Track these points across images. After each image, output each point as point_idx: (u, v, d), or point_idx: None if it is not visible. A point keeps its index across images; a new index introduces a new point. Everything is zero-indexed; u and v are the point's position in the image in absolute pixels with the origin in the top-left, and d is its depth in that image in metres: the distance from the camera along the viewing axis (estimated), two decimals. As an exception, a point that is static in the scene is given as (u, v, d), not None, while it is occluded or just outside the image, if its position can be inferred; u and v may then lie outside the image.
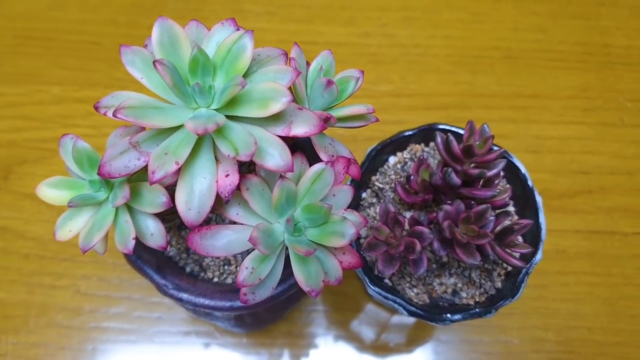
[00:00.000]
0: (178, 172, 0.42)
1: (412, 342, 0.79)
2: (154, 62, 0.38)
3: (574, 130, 0.93)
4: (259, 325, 0.75)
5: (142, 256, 0.58)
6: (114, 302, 0.80)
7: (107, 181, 0.47)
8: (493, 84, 0.96)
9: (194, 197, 0.42)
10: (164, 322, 0.79)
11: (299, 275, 0.45)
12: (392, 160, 0.68)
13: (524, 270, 0.60)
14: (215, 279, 0.60)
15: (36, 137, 0.89)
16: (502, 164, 0.57)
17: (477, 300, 0.62)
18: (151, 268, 0.58)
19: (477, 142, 0.56)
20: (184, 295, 0.57)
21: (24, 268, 0.81)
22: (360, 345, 0.78)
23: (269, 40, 0.97)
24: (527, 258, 0.62)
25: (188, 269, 0.61)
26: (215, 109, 0.42)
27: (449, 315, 0.59)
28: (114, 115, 0.38)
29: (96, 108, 0.43)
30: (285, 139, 0.44)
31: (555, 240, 0.84)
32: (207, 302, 0.57)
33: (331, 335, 0.79)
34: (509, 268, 0.63)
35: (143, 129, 0.45)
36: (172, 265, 0.60)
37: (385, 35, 1.01)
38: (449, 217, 0.55)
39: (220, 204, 0.46)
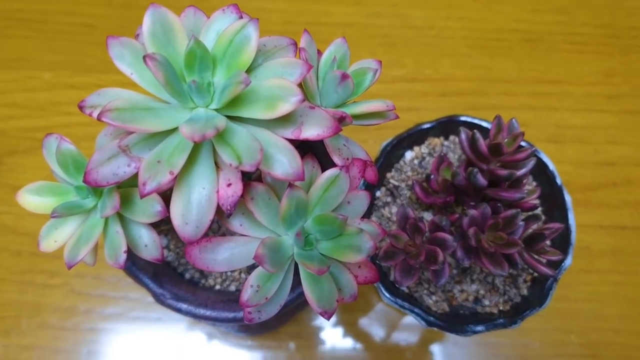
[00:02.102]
0: (174, 180, 0.37)
1: (424, 343, 0.74)
2: (144, 57, 0.33)
3: (597, 118, 0.87)
4: (264, 330, 0.70)
5: (137, 262, 0.53)
6: (110, 302, 0.75)
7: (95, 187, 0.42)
8: (512, 68, 0.90)
9: (192, 209, 0.37)
10: (163, 323, 0.74)
11: (311, 295, 0.41)
12: (408, 155, 0.63)
13: (552, 277, 0.56)
14: (218, 287, 0.56)
15: (27, 126, 0.84)
16: (531, 163, 0.52)
17: (501, 308, 0.58)
18: (147, 275, 0.53)
19: (506, 140, 0.51)
20: (183, 306, 0.52)
21: (15, 266, 0.77)
22: (371, 346, 0.74)
23: (274, 21, 0.91)
24: (556, 264, 0.57)
25: (188, 276, 0.56)
26: (215, 109, 0.37)
27: (471, 326, 0.55)
28: (99, 118, 0.33)
29: (81, 108, 0.38)
30: (294, 140, 0.38)
31: (578, 236, 0.78)
32: (208, 313, 0.52)
33: (340, 335, 0.74)
34: (536, 274, 0.58)
35: (135, 130, 0.40)
36: (171, 272, 0.55)
37: (398, 15, 0.94)
38: (475, 223, 0.50)
39: (221, 214, 0.41)
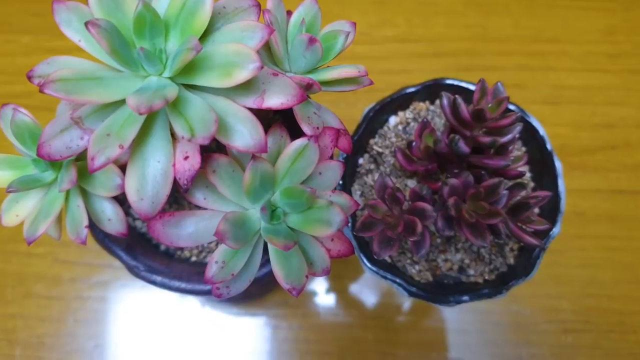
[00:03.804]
0: (125, 153, 0.35)
1: (415, 311, 0.73)
2: (86, 23, 0.31)
3: (597, 78, 0.84)
4: (249, 299, 0.69)
5: (109, 235, 0.52)
6: (96, 271, 0.75)
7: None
8: (508, 26, 0.87)
9: (147, 184, 0.35)
10: (149, 291, 0.73)
11: (278, 270, 0.39)
12: (392, 120, 0.60)
13: (540, 246, 0.54)
14: (194, 258, 0.54)
15: (6, 92, 0.82)
16: (517, 128, 0.49)
17: (487, 278, 0.56)
18: (120, 248, 0.52)
19: (490, 105, 0.48)
20: (157, 278, 0.51)
21: (-3, 235, 0.76)
22: (360, 314, 0.73)
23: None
24: (544, 232, 0.55)
25: (163, 247, 0.55)
26: (169, 77, 0.35)
27: (455, 296, 0.53)
28: (41, 90, 0.31)
29: (29, 78, 0.36)
30: (258, 110, 0.36)
31: (574, 201, 0.76)
32: (183, 285, 0.51)
33: (330, 303, 0.73)
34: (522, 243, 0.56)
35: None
36: (145, 243, 0.54)
37: (390, -28, 0.91)
38: (456, 192, 0.47)
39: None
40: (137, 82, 0.34)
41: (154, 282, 0.51)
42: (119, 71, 0.35)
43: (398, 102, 0.59)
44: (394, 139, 0.59)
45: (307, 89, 0.39)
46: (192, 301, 0.73)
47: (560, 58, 0.85)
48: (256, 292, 0.68)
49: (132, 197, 0.35)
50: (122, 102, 0.34)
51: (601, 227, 0.76)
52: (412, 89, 0.59)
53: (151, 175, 0.35)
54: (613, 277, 0.74)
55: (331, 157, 0.43)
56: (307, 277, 0.40)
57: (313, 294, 0.74)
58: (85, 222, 0.40)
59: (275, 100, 0.36)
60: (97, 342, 0.71)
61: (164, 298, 0.73)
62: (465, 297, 0.53)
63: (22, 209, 0.42)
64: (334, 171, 0.42)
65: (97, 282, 0.74)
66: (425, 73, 0.79)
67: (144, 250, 0.52)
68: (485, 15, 0.87)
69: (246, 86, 0.35)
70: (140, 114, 0.30)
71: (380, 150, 0.58)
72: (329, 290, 0.74)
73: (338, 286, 0.74)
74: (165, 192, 0.35)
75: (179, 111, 0.33)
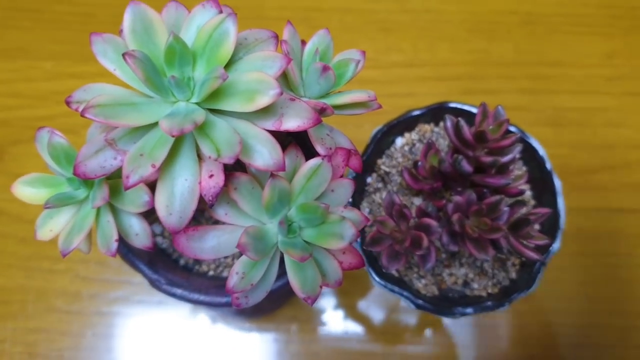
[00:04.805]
0: (157, 172, 0.38)
1: (421, 325, 0.76)
2: (124, 54, 0.34)
3: (596, 101, 0.87)
4: (260, 313, 0.72)
5: (133, 249, 0.55)
6: (114, 287, 0.77)
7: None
8: (510, 51, 0.90)
9: (175, 200, 0.38)
10: (165, 306, 0.76)
11: (294, 281, 0.42)
12: (399, 141, 0.64)
13: (540, 261, 0.56)
14: (211, 272, 0.57)
15: (30, 115, 0.86)
16: (517, 149, 0.52)
17: (490, 291, 0.59)
18: (143, 262, 0.55)
19: (491, 127, 0.51)
20: (178, 291, 0.54)
21: (20, 252, 0.79)
22: (369, 329, 0.75)
23: (269, 7, 0.91)
24: (545, 248, 0.57)
25: (182, 262, 0.58)
26: (196, 103, 0.38)
27: (459, 308, 0.56)
28: (82, 114, 0.34)
29: (67, 103, 0.39)
30: (276, 131, 0.39)
31: (575, 219, 0.79)
32: (202, 298, 0.54)
33: (338, 319, 0.76)
34: (524, 258, 0.59)
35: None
36: (165, 259, 0.57)
37: (395, 0, 0.94)
38: (459, 209, 0.50)
39: (206, 203, 0.42)
40: (167, 107, 0.38)
41: (174, 295, 0.54)
42: (149, 97, 0.39)
43: (404, 124, 0.63)
44: (400, 159, 0.62)
45: (321, 112, 0.42)
46: (204, 317, 0.75)
47: (562, 81, 0.88)
48: (267, 307, 0.71)
49: (161, 212, 0.38)
50: (154, 125, 0.37)
51: (602, 245, 0.78)
52: (417, 112, 0.63)
53: (179, 192, 0.38)
54: (614, 293, 0.76)
55: (341, 176, 0.46)
56: (321, 287, 0.43)
57: (322, 309, 0.76)
58: (116, 236, 0.44)
59: (292, 123, 0.39)
60: (114, 355, 0.74)
61: (178, 314, 0.76)
62: (470, 309, 0.56)
63: (56, 224, 0.45)
64: (345, 188, 0.45)
65: (115, 298, 0.77)
66: (431, 96, 0.83)
67: (164, 265, 0.55)
68: (488, 41, 0.91)
69: (266, 110, 0.39)
70: (173, 136, 0.33)
71: (387, 169, 0.62)
72: (337, 306, 0.77)
73: (346, 302, 0.77)
74: (192, 208, 0.38)
75: (206, 133, 0.37)
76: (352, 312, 0.76)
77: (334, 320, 0.76)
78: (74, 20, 0.93)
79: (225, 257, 0.57)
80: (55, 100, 0.87)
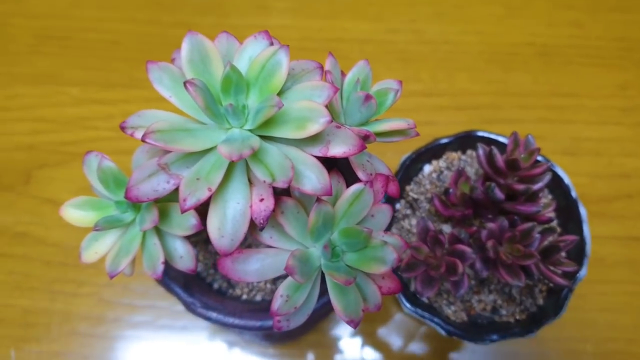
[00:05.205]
0: (211, 196, 0.39)
1: (442, 353, 0.76)
2: (185, 82, 0.35)
3: (612, 131, 0.89)
4: (288, 339, 0.72)
5: (168, 273, 0.56)
6: (138, 311, 0.78)
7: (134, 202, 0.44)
8: (527, 82, 0.92)
9: (227, 223, 0.39)
10: (189, 331, 0.77)
11: (337, 304, 0.43)
12: (427, 169, 0.65)
13: (567, 288, 0.57)
14: (245, 296, 0.58)
15: (56, 140, 0.87)
16: (547, 177, 0.54)
17: (518, 318, 0.59)
18: (178, 285, 0.56)
19: (522, 155, 0.53)
20: (213, 315, 0.55)
21: (45, 275, 0.79)
22: (389, 355, 0.75)
23: (292, 38, 0.93)
24: (571, 274, 0.58)
25: (216, 286, 0.58)
26: (249, 130, 0.39)
27: (489, 335, 0.57)
28: (143, 139, 0.36)
29: (122, 128, 0.40)
30: (321, 157, 0.41)
31: (594, 247, 0.79)
32: (236, 321, 0.55)
33: (359, 345, 0.76)
34: (551, 284, 0.60)
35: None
36: (200, 282, 0.58)
37: (414, 31, 0.97)
38: (493, 235, 0.51)
39: (253, 227, 0.43)
40: (221, 134, 0.39)
41: (209, 318, 0.54)
42: (203, 123, 0.40)
43: (432, 151, 0.64)
44: (428, 186, 0.63)
45: (365, 139, 0.43)
46: (228, 342, 0.76)
47: (578, 111, 0.90)
48: (296, 332, 0.71)
49: (213, 234, 0.39)
50: (208, 150, 0.39)
51: (621, 273, 0.79)
52: (445, 140, 0.64)
53: (231, 215, 0.39)
54: (633, 320, 0.77)
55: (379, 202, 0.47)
56: (363, 311, 0.44)
57: (344, 335, 0.77)
58: (162, 258, 0.44)
59: (338, 149, 0.40)
60: (138, 379, 0.74)
61: (201, 339, 0.76)
62: (498, 336, 0.57)
63: (101, 247, 0.46)
64: (384, 214, 0.46)
65: (139, 322, 0.77)
66: (451, 125, 0.85)
67: (199, 289, 0.56)
68: (506, 72, 0.93)
69: (314, 137, 0.40)
70: (232, 160, 0.35)
71: (415, 196, 0.63)
72: (359, 333, 0.77)
73: (368, 329, 0.77)
74: (243, 230, 0.39)
75: (259, 159, 0.38)
76: (373, 339, 0.77)
77: (355, 347, 0.76)
78: (100, 47, 0.95)
79: (259, 282, 0.58)
80: (81, 125, 0.88)
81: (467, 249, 0.51)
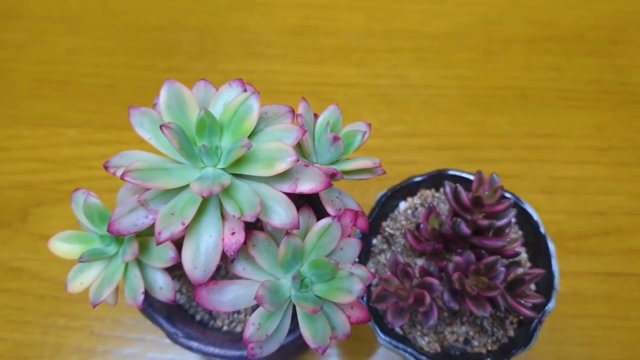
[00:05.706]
0: (185, 229, 0.42)
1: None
2: (161, 126, 0.39)
3: (589, 170, 0.92)
4: (269, 371, 0.74)
5: (153, 304, 0.58)
6: (128, 344, 0.80)
7: (117, 236, 0.48)
8: (506, 123, 0.96)
9: (200, 255, 0.42)
10: (175, 364, 0.79)
11: (306, 332, 0.45)
12: (402, 205, 0.68)
13: (536, 319, 0.60)
14: (225, 327, 0.60)
15: (53, 179, 0.91)
16: (512, 213, 0.57)
17: (489, 349, 0.61)
18: (162, 316, 0.58)
19: (487, 193, 0.56)
20: (194, 344, 0.57)
21: (39, 309, 0.82)
22: (373, 389, 0.77)
23: (281, 82, 0.98)
24: (540, 306, 0.61)
25: (198, 317, 0.61)
26: (222, 168, 0.43)
27: (461, 365, 0.59)
28: (122, 177, 0.39)
29: (106, 167, 0.44)
30: (291, 194, 0.44)
31: (572, 282, 0.83)
32: (216, 351, 0.57)
33: (343, 379, 0.78)
34: (522, 316, 0.62)
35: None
36: (182, 314, 0.60)
37: (397, 75, 1.01)
38: (459, 268, 0.54)
39: (226, 259, 0.46)
40: (196, 172, 0.43)
41: (190, 348, 0.57)
42: (180, 163, 0.44)
43: (407, 189, 0.67)
44: (404, 222, 0.66)
45: (332, 177, 0.47)
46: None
47: (555, 151, 0.93)
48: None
49: (187, 265, 0.42)
50: (184, 187, 0.42)
51: (598, 307, 0.81)
52: (419, 178, 0.67)
53: (204, 248, 0.42)
54: (611, 354, 0.78)
55: (349, 235, 0.50)
56: (330, 338, 0.46)
57: (328, 369, 0.79)
58: (142, 289, 0.47)
59: (306, 186, 0.44)
60: (126, 412, 0.76)
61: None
62: (471, 366, 0.59)
63: (86, 278, 0.49)
64: (353, 247, 0.49)
65: (128, 355, 0.79)
66: (431, 164, 0.88)
67: (182, 319, 0.59)
68: (484, 113, 0.97)
69: (283, 175, 0.43)
70: (203, 197, 0.38)
71: (391, 232, 0.66)
72: (343, 366, 0.79)
73: (352, 362, 0.79)
74: (215, 262, 0.42)
75: (230, 195, 0.41)
76: (357, 373, 0.78)
77: (340, 380, 0.78)
78: (97, 91, 1.00)
79: (239, 313, 0.60)
80: (77, 165, 0.92)
81: (435, 281, 0.54)
